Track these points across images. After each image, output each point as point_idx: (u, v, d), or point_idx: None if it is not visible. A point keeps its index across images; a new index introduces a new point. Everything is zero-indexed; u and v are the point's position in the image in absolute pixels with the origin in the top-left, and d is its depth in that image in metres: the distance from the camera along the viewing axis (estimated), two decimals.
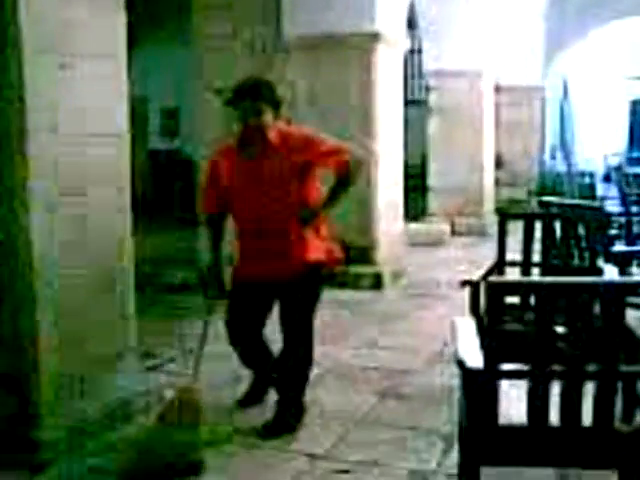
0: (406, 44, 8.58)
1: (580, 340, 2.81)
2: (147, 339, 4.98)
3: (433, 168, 11.93)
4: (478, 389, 2.85)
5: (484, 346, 2.91)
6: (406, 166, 9.12)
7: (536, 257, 4.80)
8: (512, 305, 4.21)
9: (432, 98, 11.79)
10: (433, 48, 11.62)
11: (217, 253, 4.20)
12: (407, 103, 10.00)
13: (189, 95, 9.19)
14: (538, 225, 4.80)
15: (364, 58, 7.71)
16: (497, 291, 2.83)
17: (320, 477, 3.58)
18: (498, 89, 13.07)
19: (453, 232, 11.28)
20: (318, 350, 5.15)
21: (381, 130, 7.82)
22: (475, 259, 8.23)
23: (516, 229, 4.87)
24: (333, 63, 7.80)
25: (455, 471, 3.46)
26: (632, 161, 18.86)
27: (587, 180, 11.57)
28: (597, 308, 2.83)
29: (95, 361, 4.01)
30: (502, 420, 2.87)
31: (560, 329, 2.90)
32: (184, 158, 14.07)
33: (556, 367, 2.83)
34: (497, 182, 13.09)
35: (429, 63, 11.81)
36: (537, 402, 2.85)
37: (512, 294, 3.08)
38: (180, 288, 7.17)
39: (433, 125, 11.84)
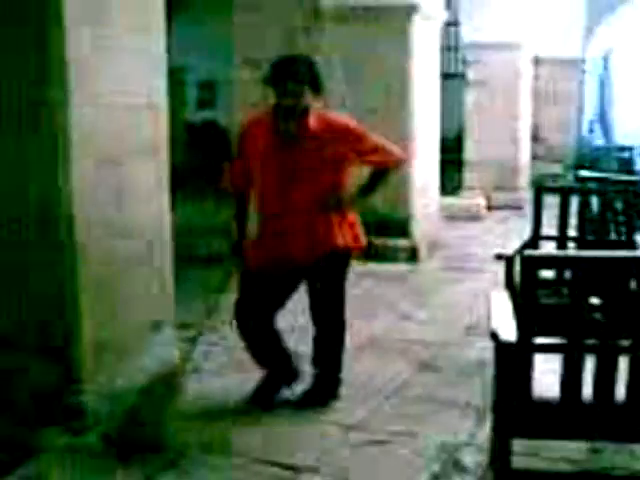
0: (443, 16, 8.51)
1: (615, 315, 2.82)
2: (184, 310, 5.04)
3: (469, 142, 11.86)
4: (511, 362, 2.87)
5: (518, 319, 2.93)
6: (443, 140, 9.08)
7: (572, 232, 4.78)
8: (547, 280, 4.23)
9: (469, 71, 11.69)
10: (471, 20, 11.50)
11: (242, 228, 4.09)
12: (444, 76, 9.94)
13: (226, 66, 9.20)
14: (575, 199, 4.79)
15: (400, 30, 7.66)
16: (531, 264, 2.84)
17: (354, 447, 3.63)
18: (537, 61, 12.92)
19: (489, 206, 11.22)
20: (354, 322, 5.20)
21: (417, 104, 7.79)
22: (511, 233, 8.19)
23: (552, 203, 4.85)
24: (369, 35, 7.75)
25: (485, 444, 3.51)
26: None
27: (625, 154, 11.42)
28: (633, 284, 2.84)
29: (134, 331, 4.08)
30: (535, 394, 2.90)
31: (595, 300, 2.91)
32: (220, 129, 14.12)
33: (590, 341, 2.84)
34: (534, 156, 12.97)
35: (467, 36, 11.69)
36: (570, 376, 2.86)
37: (546, 268, 3.09)
38: (216, 259, 7.22)
39: (470, 98, 11.75)
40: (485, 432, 3.61)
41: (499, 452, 3.00)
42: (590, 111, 18.44)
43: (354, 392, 4.25)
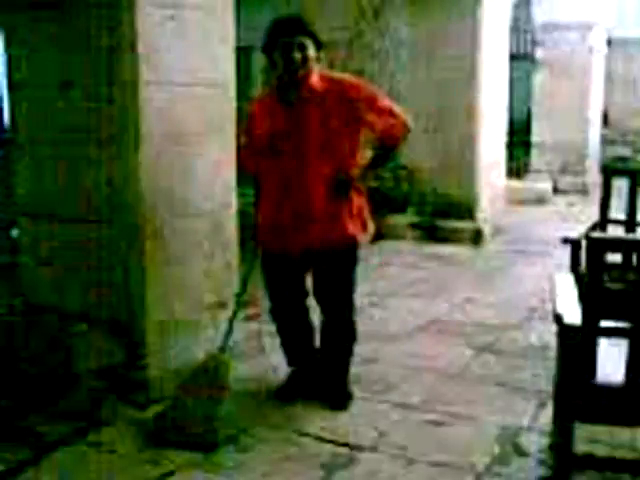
0: None
1: None
2: (249, 289, 5.09)
3: (537, 124, 11.67)
4: (575, 345, 2.84)
5: (583, 303, 2.89)
6: (510, 122, 8.97)
7: None
8: (614, 264, 4.15)
9: (539, 52, 11.50)
10: (542, 0, 11.30)
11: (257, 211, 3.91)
12: (513, 58, 9.79)
13: None
14: None
15: (470, 11, 7.58)
16: (598, 247, 2.79)
17: (413, 427, 3.64)
18: (610, 42, 12.63)
19: (556, 190, 11.06)
20: (415, 304, 5.20)
21: (485, 84, 7.70)
22: (577, 217, 8.08)
23: (622, 188, 4.76)
24: (438, 13, 7.68)
25: (546, 428, 3.48)
26: None
27: None
28: None
29: (199, 307, 4.14)
30: (598, 378, 2.87)
31: None
32: None
33: None
34: (604, 139, 12.71)
35: (538, 15, 11.49)
36: (635, 361, 2.82)
37: (613, 251, 3.04)
38: None
39: (539, 80, 11.56)
40: (547, 416, 3.58)
41: (561, 436, 2.98)
42: None
43: (414, 373, 4.25)
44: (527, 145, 11.92)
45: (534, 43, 11.68)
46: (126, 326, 3.86)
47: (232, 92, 4.24)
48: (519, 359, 4.49)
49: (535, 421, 3.67)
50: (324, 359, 3.98)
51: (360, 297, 4.59)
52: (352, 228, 3.70)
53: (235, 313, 3.87)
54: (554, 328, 3.01)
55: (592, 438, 3.32)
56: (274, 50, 3.57)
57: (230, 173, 4.29)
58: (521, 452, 3.40)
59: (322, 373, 3.98)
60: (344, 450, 3.40)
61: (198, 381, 3.65)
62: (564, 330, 2.88)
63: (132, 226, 3.76)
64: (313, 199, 3.64)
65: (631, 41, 13.98)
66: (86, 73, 3.76)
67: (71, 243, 3.98)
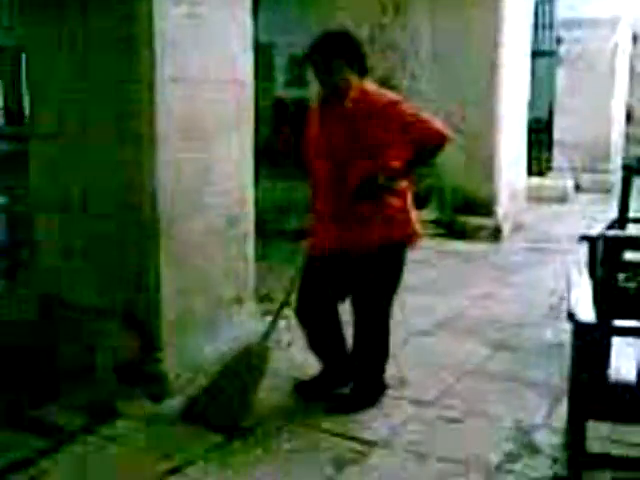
0: None
1: None
2: (266, 283, 5.12)
3: (560, 122, 11.60)
4: (588, 343, 2.83)
5: (597, 301, 2.88)
6: (532, 119, 8.93)
7: None
8: (633, 263, 4.13)
9: (562, 49, 11.42)
10: None
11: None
12: (536, 54, 9.74)
13: None
14: None
15: (492, 7, 7.54)
16: (613, 245, 2.79)
17: (427, 423, 3.64)
18: (635, 38, 12.51)
19: (578, 188, 10.99)
20: (433, 300, 5.21)
21: (507, 81, 7.67)
22: (598, 216, 8.02)
23: None
24: (460, 9, 7.65)
25: (560, 426, 3.48)
26: None
27: None
28: None
29: (215, 302, 4.16)
30: (612, 377, 2.86)
31: None
32: (308, 106, 14.15)
33: None
34: (628, 137, 12.61)
35: (561, 12, 11.41)
36: None
37: (629, 249, 3.03)
38: (297, 235, 7.30)
39: (562, 77, 11.48)
40: (561, 414, 3.57)
41: (574, 435, 2.97)
42: None
43: (429, 369, 4.25)
44: (550, 143, 11.85)
45: (557, 40, 11.61)
46: (142, 320, 3.89)
47: (250, 90, 4.26)
48: (535, 356, 4.49)
49: (549, 419, 3.66)
50: (356, 363, 3.89)
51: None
52: (383, 231, 3.64)
53: (282, 305, 3.83)
54: (570, 325, 3.00)
55: (607, 437, 3.31)
56: (307, 64, 3.64)
57: (248, 169, 4.32)
58: (534, 449, 3.39)
59: (352, 377, 3.92)
60: (356, 445, 3.40)
61: (237, 366, 3.72)
62: (576, 327, 2.87)
63: (148, 222, 3.78)
64: (344, 206, 3.62)
65: None
66: (103, 70, 3.79)
67: (88, 239, 4.01)
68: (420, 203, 7.95)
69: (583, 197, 10.67)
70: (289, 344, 4.51)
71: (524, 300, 5.65)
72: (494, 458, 3.30)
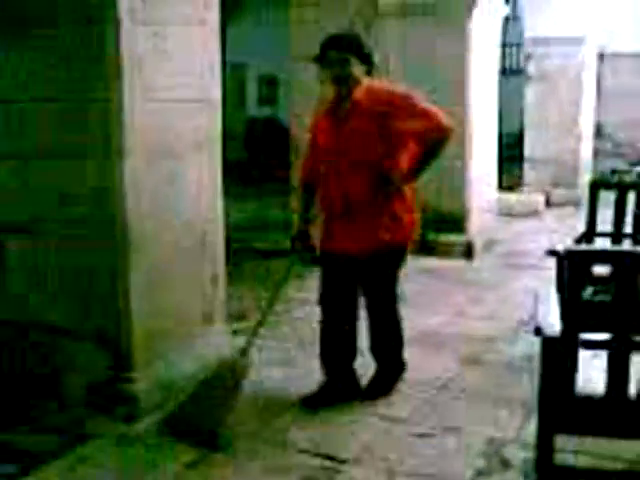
0: (503, 11, 8.43)
1: None
2: (237, 303, 5.12)
3: (529, 138, 11.70)
4: (555, 357, 2.86)
5: (564, 314, 2.91)
6: (503, 136, 9.00)
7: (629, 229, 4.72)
8: (602, 277, 4.17)
9: (530, 66, 11.55)
10: (533, 14, 11.35)
11: (308, 217, 4.11)
12: (505, 72, 9.84)
13: (286, 62, 9.23)
14: (632, 196, 4.73)
15: (459, 25, 7.61)
16: (578, 259, 2.82)
17: (398, 439, 3.65)
18: (602, 56, 12.67)
19: (548, 203, 11.08)
20: (406, 317, 5.18)
21: (475, 99, 7.73)
22: (569, 230, 8.06)
23: (612, 200, 4.79)
24: (428, 31, 7.71)
25: (531, 440, 3.48)
26: None
27: None
28: None
29: (186, 322, 4.16)
30: (580, 390, 2.88)
31: None
32: (281, 126, 14.21)
33: (637, 338, 2.81)
34: (597, 153, 12.74)
35: (529, 30, 11.54)
36: (615, 373, 2.83)
37: (592, 263, 3.06)
38: (271, 253, 7.32)
39: (530, 94, 11.60)
40: (532, 428, 3.57)
41: (542, 448, 2.99)
42: None
43: (400, 385, 4.25)
44: (520, 159, 11.95)
45: (526, 57, 11.74)
46: (113, 340, 3.88)
47: (218, 108, 4.27)
48: (506, 371, 4.51)
49: (520, 433, 3.67)
50: (376, 359, 4.19)
51: None
52: (391, 234, 3.87)
53: (261, 321, 4.01)
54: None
55: (579, 449, 3.33)
56: (321, 64, 3.83)
57: (217, 187, 4.33)
58: (505, 464, 3.41)
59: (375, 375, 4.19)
60: (327, 462, 3.40)
61: (215, 381, 3.79)
62: (544, 342, 2.90)
63: (118, 242, 3.77)
64: (356, 209, 3.83)
65: (623, 55, 14.03)
66: (69, 87, 3.79)
67: (58, 257, 3.99)
68: None
69: (554, 212, 10.73)
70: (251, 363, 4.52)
71: (497, 316, 5.68)
72: (466, 474, 3.31)
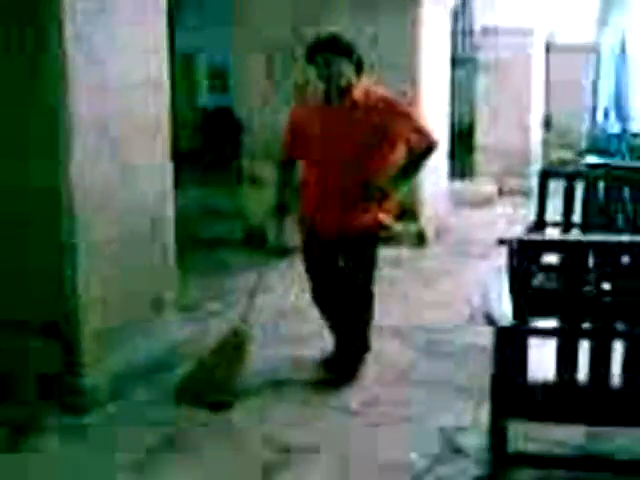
0: (453, 1, 8.46)
1: (611, 298, 2.83)
2: (186, 292, 5.07)
3: (480, 127, 11.79)
4: (505, 345, 2.89)
5: (513, 303, 2.94)
6: (455, 125, 9.02)
7: (577, 218, 4.78)
8: (551, 265, 4.22)
9: (481, 56, 11.62)
10: (483, 5, 11.43)
11: (286, 193, 4.31)
12: (456, 61, 9.88)
13: (237, 51, 9.15)
14: (580, 185, 4.78)
15: (410, 15, 7.61)
16: (527, 248, 2.85)
17: (352, 429, 3.66)
18: (549, 47, 12.81)
19: (501, 192, 11.18)
20: None
21: (426, 88, 7.75)
22: (521, 219, 8.17)
23: (561, 190, 4.84)
24: (380, 17, 7.69)
25: (485, 428, 3.51)
26: None
27: (638, 141, 11.34)
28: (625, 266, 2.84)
29: (136, 311, 4.12)
30: (531, 377, 2.91)
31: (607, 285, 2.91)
32: (233, 115, 14.12)
33: (585, 325, 2.85)
34: (546, 143, 12.89)
35: (478, 20, 11.62)
36: (565, 360, 2.87)
37: (541, 251, 3.10)
38: (219, 242, 7.28)
39: (481, 84, 11.67)
40: (486, 416, 3.61)
41: (495, 434, 3.02)
42: (606, 97, 18.28)
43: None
44: (472, 148, 12.02)
45: (476, 47, 11.81)
46: (63, 331, 3.82)
47: (167, 93, 4.24)
48: (459, 360, 4.54)
49: (474, 421, 3.69)
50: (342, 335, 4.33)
51: (300, 299, 4.61)
52: (371, 219, 4.09)
53: (255, 289, 4.22)
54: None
55: (531, 436, 3.36)
56: (313, 64, 3.99)
57: (167, 172, 4.30)
58: (460, 452, 3.44)
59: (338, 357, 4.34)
60: (282, 452, 3.41)
61: (222, 348, 4.04)
62: (495, 330, 2.92)
63: (65, 229, 3.72)
64: (342, 196, 3.99)
65: (571, 47, 14.21)
66: (10, 76, 3.72)
67: (3, 243, 3.91)
68: None
69: (506, 200, 10.82)
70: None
71: (448, 304, 5.70)
72: (420, 462, 3.34)
